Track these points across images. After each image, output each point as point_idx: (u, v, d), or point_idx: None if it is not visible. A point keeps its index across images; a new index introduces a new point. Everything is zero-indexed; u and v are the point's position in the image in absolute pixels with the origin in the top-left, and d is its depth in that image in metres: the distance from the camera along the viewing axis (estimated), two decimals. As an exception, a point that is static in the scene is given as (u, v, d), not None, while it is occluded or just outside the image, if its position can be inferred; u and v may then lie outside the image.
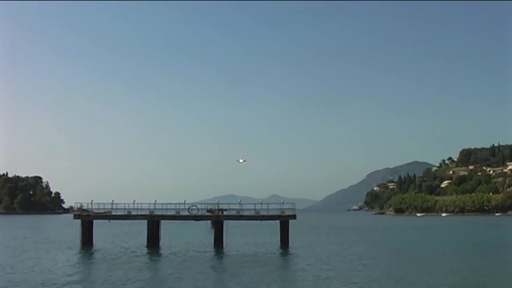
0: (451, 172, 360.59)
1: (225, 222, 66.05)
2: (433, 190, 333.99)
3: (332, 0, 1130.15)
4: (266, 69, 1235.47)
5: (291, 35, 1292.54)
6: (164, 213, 67.80)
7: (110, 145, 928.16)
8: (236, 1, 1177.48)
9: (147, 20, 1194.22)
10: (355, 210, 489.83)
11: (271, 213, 67.33)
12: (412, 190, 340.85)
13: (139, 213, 67.67)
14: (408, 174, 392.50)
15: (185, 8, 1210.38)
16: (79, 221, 67.77)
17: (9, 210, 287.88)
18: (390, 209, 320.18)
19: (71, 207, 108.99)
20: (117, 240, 77.88)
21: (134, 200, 68.13)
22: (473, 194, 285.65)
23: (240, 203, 70.09)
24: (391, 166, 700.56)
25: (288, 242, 65.05)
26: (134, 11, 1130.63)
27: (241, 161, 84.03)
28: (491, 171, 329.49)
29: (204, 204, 73.63)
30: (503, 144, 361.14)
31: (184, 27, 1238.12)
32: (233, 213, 68.64)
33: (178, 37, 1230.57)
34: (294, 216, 65.86)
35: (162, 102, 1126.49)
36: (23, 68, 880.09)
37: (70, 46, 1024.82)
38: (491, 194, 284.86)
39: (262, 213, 66.83)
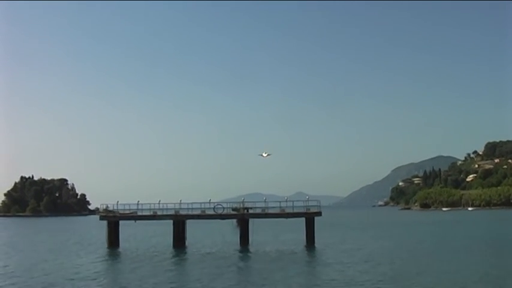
0: (476, 166, 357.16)
1: (251, 221, 65.87)
2: (459, 184, 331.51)
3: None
4: (284, 68, 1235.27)
5: (301, 34, 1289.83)
6: (189, 212, 67.78)
7: (133, 146, 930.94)
8: (243, 0, 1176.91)
9: (154, 20, 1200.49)
10: (380, 206, 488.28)
11: (296, 210, 66.93)
12: (438, 185, 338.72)
13: (165, 213, 67.78)
14: (433, 169, 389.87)
15: (191, 7, 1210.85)
16: (105, 222, 68.24)
17: (36, 213, 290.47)
18: (416, 204, 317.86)
19: (97, 209, 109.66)
20: (144, 241, 78.30)
21: (159, 200, 68.45)
22: (499, 188, 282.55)
23: (265, 201, 69.64)
24: (416, 161, 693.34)
25: (314, 240, 64.60)
26: (141, 11, 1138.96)
27: (264, 155, 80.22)
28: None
29: (229, 203, 73.57)
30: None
31: (191, 26, 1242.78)
32: (258, 211, 68.34)
33: (186, 37, 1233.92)
34: (319, 214, 65.54)
35: (182, 101, 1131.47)
36: (43, 72, 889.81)
37: (81, 48, 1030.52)
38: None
39: (288, 210, 66.46)
